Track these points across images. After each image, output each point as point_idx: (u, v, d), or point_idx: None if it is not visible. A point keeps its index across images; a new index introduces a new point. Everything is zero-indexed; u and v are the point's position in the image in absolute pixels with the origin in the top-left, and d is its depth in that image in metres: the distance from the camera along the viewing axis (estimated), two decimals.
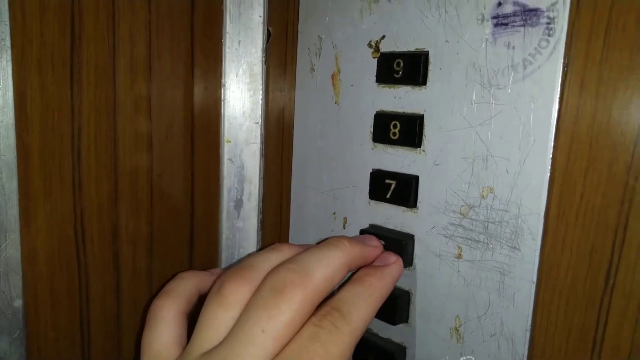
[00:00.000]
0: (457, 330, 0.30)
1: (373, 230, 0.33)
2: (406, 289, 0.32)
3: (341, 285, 0.28)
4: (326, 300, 0.27)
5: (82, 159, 0.34)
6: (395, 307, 0.32)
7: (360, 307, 0.26)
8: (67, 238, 0.34)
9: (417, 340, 0.32)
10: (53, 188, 0.33)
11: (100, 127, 0.35)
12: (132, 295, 0.39)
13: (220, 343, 0.25)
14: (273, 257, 0.28)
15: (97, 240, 0.36)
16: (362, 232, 0.34)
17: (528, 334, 0.28)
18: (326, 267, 0.26)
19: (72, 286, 0.35)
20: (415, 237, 0.32)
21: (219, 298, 0.27)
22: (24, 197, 0.32)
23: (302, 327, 0.25)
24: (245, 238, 0.43)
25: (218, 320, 0.26)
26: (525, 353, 0.28)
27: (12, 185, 0.32)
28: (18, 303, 0.33)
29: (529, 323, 0.27)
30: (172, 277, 0.32)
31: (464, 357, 0.30)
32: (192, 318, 0.29)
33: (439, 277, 0.31)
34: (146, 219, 0.39)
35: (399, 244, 0.32)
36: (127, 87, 0.36)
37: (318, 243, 0.29)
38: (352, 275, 0.29)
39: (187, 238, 0.42)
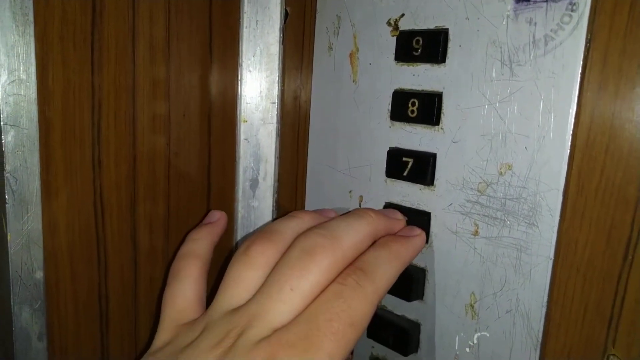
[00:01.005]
0: (472, 307, 0.30)
1: (389, 207, 0.33)
2: (421, 266, 0.32)
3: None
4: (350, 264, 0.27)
5: (102, 136, 0.35)
6: (411, 283, 0.32)
7: (385, 269, 0.27)
8: (86, 212, 0.35)
9: (432, 317, 0.32)
10: (73, 163, 0.34)
11: (120, 104, 0.35)
12: (148, 272, 0.39)
13: (250, 300, 0.26)
14: (295, 224, 0.29)
15: (115, 215, 0.36)
16: (386, 206, 0.34)
17: (544, 310, 0.28)
18: (354, 235, 0.27)
19: (91, 260, 0.36)
20: (431, 215, 0.32)
21: (246, 258, 0.28)
22: (45, 171, 0.33)
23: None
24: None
25: (246, 279, 0.27)
26: (541, 329, 0.28)
27: (34, 159, 0.32)
28: (39, 275, 0.33)
29: (545, 299, 0.28)
30: (183, 239, 0.33)
31: (479, 334, 0.30)
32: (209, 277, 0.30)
33: (455, 254, 0.31)
34: (163, 197, 0.39)
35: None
36: (146, 66, 0.36)
37: (342, 214, 0.29)
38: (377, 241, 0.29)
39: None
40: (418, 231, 0.31)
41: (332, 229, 0.27)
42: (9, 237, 0.32)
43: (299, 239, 0.27)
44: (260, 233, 0.29)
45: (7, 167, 0.31)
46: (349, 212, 0.30)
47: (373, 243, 0.29)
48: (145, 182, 0.38)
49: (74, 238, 0.35)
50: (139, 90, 0.36)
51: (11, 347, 0.33)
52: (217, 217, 0.35)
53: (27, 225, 0.32)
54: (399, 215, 0.32)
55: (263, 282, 0.26)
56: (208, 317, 0.27)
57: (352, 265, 0.27)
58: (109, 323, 0.37)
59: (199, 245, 0.32)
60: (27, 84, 0.31)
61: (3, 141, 0.31)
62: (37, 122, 0.32)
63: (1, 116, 0.30)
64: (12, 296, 0.32)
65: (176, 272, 0.30)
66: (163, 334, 0.28)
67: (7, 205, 0.31)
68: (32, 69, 0.31)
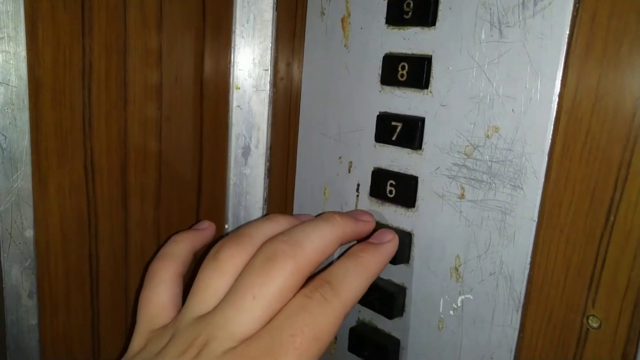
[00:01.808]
0: (457, 270, 0.31)
1: (377, 172, 0.34)
2: (408, 230, 0.33)
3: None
4: (319, 273, 0.27)
5: (92, 98, 0.35)
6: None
7: (352, 282, 0.27)
8: (77, 173, 0.35)
9: (418, 281, 0.33)
10: (64, 123, 0.34)
11: (111, 67, 0.35)
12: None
13: (215, 308, 0.26)
14: (268, 227, 0.29)
15: (106, 179, 0.37)
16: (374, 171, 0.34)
17: (527, 272, 0.28)
18: (317, 240, 0.27)
19: (81, 222, 0.36)
20: (419, 179, 0.32)
21: (215, 263, 0.28)
22: (35, 131, 0.33)
23: (293, 297, 0.26)
24: (252, 185, 0.44)
25: (213, 285, 0.27)
26: (523, 291, 0.28)
27: (23, 118, 0.32)
28: (29, 233, 0.34)
29: (528, 261, 0.28)
30: (167, 240, 0.34)
31: (463, 296, 0.31)
32: (188, 279, 0.30)
33: (441, 217, 0.31)
34: (154, 161, 0.39)
35: (402, 188, 0.32)
36: (137, 29, 0.36)
37: (317, 215, 0.30)
38: (346, 250, 0.30)
39: (195, 184, 0.42)
40: (389, 237, 0.31)
41: (295, 235, 0.27)
42: None
43: (263, 245, 0.27)
44: (231, 236, 0.29)
45: None
46: (318, 215, 0.29)
47: (347, 250, 0.29)
48: (136, 146, 0.38)
49: (64, 199, 0.35)
50: (131, 54, 0.36)
51: (1, 303, 0.34)
52: (205, 226, 0.36)
53: (16, 184, 0.33)
54: (366, 217, 0.32)
55: (229, 289, 0.27)
56: (177, 324, 0.27)
57: (320, 278, 0.27)
58: (99, 285, 0.38)
59: (179, 248, 0.32)
60: (17, 41, 0.31)
61: None
62: (27, 81, 0.32)
63: None
64: (1, 253, 0.33)
65: (152, 275, 0.31)
66: (137, 340, 0.28)
67: None
68: (22, 26, 0.31)
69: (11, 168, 0.32)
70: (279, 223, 0.30)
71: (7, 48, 0.31)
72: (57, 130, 0.34)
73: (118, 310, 0.39)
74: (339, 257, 0.29)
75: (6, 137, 0.32)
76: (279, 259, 0.26)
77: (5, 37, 0.30)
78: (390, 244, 0.30)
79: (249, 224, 0.31)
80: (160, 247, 0.33)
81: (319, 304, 0.25)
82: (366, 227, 0.31)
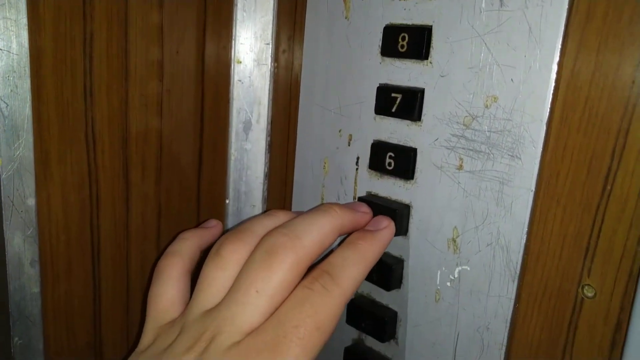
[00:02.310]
0: (455, 241, 0.31)
1: (377, 145, 0.34)
2: (406, 202, 0.33)
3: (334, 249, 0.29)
4: (319, 263, 0.28)
5: (93, 68, 0.35)
6: (395, 220, 0.32)
7: (351, 270, 0.28)
8: (78, 143, 0.35)
9: (415, 253, 0.33)
10: (65, 93, 0.34)
11: (112, 37, 0.35)
12: (140, 209, 0.40)
13: (220, 302, 0.27)
14: (268, 222, 0.30)
15: (107, 149, 0.37)
16: (359, 199, 0.34)
17: (523, 242, 0.28)
18: (316, 232, 0.28)
19: (82, 192, 0.36)
20: (417, 151, 0.32)
21: (218, 259, 0.29)
22: (36, 99, 0.33)
23: (295, 288, 0.27)
24: (254, 160, 0.44)
25: (217, 280, 0.28)
26: (519, 261, 0.28)
27: (25, 86, 0.32)
28: (31, 202, 0.34)
29: (525, 231, 0.28)
30: (175, 237, 0.34)
31: (460, 268, 0.31)
32: (195, 275, 0.31)
33: (439, 189, 0.31)
34: (155, 134, 0.39)
35: (401, 160, 0.32)
36: (139, 2, 0.36)
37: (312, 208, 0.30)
38: (344, 239, 0.30)
39: (196, 158, 0.43)
40: (385, 223, 0.31)
41: (294, 228, 0.28)
42: (0, 162, 0.32)
43: (263, 239, 0.28)
44: (232, 232, 0.30)
45: None
46: (315, 207, 0.30)
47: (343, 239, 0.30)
48: (137, 118, 0.38)
49: (66, 168, 0.35)
50: (132, 25, 0.36)
51: (4, 271, 0.34)
52: (213, 224, 0.36)
53: (18, 152, 0.33)
54: (364, 209, 0.32)
55: (232, 284, 0.27)
56: (185, 319, 0.28)
57: (319, 268, 0.27)
58: (100, 255, 0.38)
59: (186, 245, 0.33)
60: (17, 8, 0.31)
61: None
62: (28, 49, 0.32)
63: None
64: (4, 221, 0.33)
65: (160, 272, 0.31)
66: (146, 335, 0.29)
67: None
68: None
69: (13, 136, 0.32)
70: (279, 218, 0.30)
71: (8, 14, 0.31)
72: (58, 100, 0.34)
73: (119, 281, 0.40)
74: (337, 246, 0.29)
75: (7, 105, 0.32)
76: (279, 253, 0.26)
77: (6, 4, 0.31)
78: (386, 230, 0.31)
79: (249, 219, 0.31)
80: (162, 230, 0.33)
81: (319, 295, 0.26)
82: (364, 218, 0.32)
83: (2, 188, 0.33)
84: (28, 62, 0.32)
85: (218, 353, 0.25)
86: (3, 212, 0.33)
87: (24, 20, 0.31)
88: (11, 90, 0.32)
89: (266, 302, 0.26)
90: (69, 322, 0.38)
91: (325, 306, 0.26)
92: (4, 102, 0.32)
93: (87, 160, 0.36)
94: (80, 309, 0.38)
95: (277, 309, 0.26)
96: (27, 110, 0.33)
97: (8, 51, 0.31)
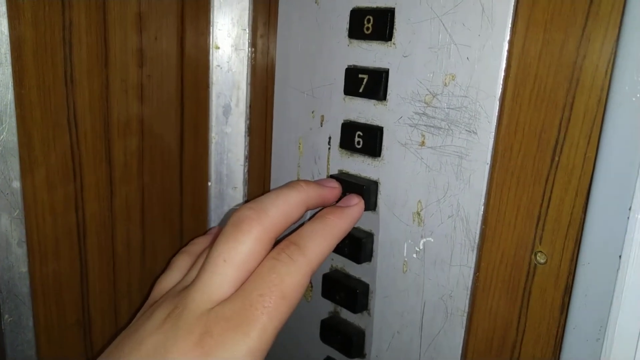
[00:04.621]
0: (419, 214, 0.32)
1: (347, 125, 0.35)
2: (374, 179, 0.34)
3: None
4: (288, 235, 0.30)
5: (73, 54, 0.36)
6: (363, 196, 0.34)
7: (318, 242, 0.29)
8: (61, 127, 0.37)
9: (384, 227, 0.34)
10: (46, 79, 0.35)
11: (91, 23, 0.36)
12: (124, 191, 0.41)
13: (196, 276, 0.29)
14: None
15: (89, 133, 0.38)
16: (331, 176, 0.36)
17: (481, 213, 0.30)
18: (282, 205, 0.29)
19: (66, 174, 0.38)
20: (384, 129, 0.33)
21: (202, 238, 0.32)
22: (18, 85, 0.34)
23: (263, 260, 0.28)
24: (234, 143, 0.45)
25: (200, 258, 0.31)
26: (478, 231, 0.30)
27: (6, 72, 0.33)
28: (16, 184, 0.35)
29: (482, 202, 0.29)
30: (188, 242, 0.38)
31: (424, 239, 0.32)
32: None
33: (404, 165, 0.32)
34: (137, 118, 0.41)
35: (368, 139, 0.34)
36: None
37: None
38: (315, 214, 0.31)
39: (177, 142, 0.44)
40: (355, 200, 0.33)
41: (260, 202, 0.29)
42: None
43: (232, 214, 0.29)
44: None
45: None
46: (284, 184, 0.32)
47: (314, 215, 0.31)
48: (118, 102, 0.39)
49: (49, 152, 0.36)
50: (110, 12, 0.37)
51: None
52: (216, 231, 0.39)
53: (2, 136, 0.34)
54: (332, 184, 0.33)
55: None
56: (168, 294, 0.30)
57: (287, 240, 0.29)
58: (86, 235, 0.40)
59: (196, 248, 0.36)
60: None
61: None
62: (9, 36, 0.33)
63: None
64: None
65: (170, 264, 0.34)
66: (142, 310, 0.31)
67: None
68: None
69: None
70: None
71: None
72: (39, 85, 0.35)
73: (105, 260, 0.41)
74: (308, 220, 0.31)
75: None
76: (244, 224, 0.28)
77: None
78: (356, 207, 0.32)
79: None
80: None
81: (285, 264, 0.27)
82: (332, 192, 0.33)
83: None
84: (9, 49, 0.33)
85: (188, 321, 0.26)
86: None
87: (3, 8, 0.33)
88: None
89: (234, 271, 0.27)
90: (57, 300, 0.39)
91: (290, 275, 0.27)
92: None
93: (70, 144, 0.37)
94: (68, 288, 0.40)
95: (247, 279, 0.28)
96: (10, 95, 0.34)
97: None
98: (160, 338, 0.26)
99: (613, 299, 0.24)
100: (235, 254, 0.27)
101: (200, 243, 0.37)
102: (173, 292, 0.30)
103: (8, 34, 0.33)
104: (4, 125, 0.34)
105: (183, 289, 0.29)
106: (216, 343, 0.25)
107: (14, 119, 0.34)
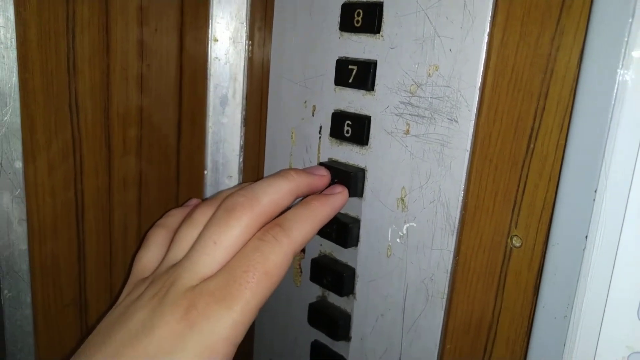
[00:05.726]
0: (403, 200, 0.33)
1: (337, 114, 0.36)
2: (362, 166, 0.36)
3: None
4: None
5: (76, 41, 0.38)
6: (351, 182, 0.35)
7: (301, 224, 0.30)
8: (62, 111, 0.38)
9: (370, 212, 0.36)
10: (49, 64, 0.37)
11: (93, 12, 0.38)
12: (122, 175, 0.43)
13: (185, 255, 0.30)
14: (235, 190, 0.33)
15: (90, 118, 0.40)
16: (320, 164, 0.37)
17: (461, 199, 0.31)
18: (272, 192, 0.31)
19: (67, 156, 0.39)
20: (371, 118, 0.35)
21: (189, 220, 0.32)
22: (22, 69, 0.36)
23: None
24: (230, 133, 0.47)
25: (186, 237, 0.31)
26: (458, 216, 0.31)
27: (11, 56, 0.35)
28: (18, 165, 0.37)
29: (462, 188, 0.31)
30: (164, 214, 0.38)
31: (407, 224, 0.34)
32: None
33: (389, 153, 0.34)
34: (136, 106, 0.42)
35: (357, 127, 0.35)
36: None
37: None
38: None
39: (175, 131, 0.45)
40: (339, 189, 0.34)
41: (252, 189, 0.31)
42: None
43: (224, 199, 0.31)
44: (205, 200, 0.33)
45: None
46: (275, 172, 0.33)
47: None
48: (118, 90, 0.41)
49: (51, 135, 0.38)
50: (112, 3, 0.39)
51: None
52: (194, 203, 0.39)
53: (6, 118, 0.36)
54: (322, 172, 0.35)
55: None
56: (156, 272, 0.31)
57: (272, 222, 0.30)
58: (84, 216, 0.41)
59: (172, 220, 0.36)
60: None
61: None
62: (14, 22, 0.35)
63: None
64: None
65: (146, 239, 0.35)
66: (126, 289, 0.32)
67: None
68: None
69: (0, 103, 0.35)
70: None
71: None
72: (43, 70, 0.37)
73: (102, 242, 0.42)
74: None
75: None
76: (236, 210, 0.29)
77: None
78: (340, 195, 0.34)
79: (222, 190, 0.34)
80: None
81: (269, 244, 0.29)
82: (321, 180, 0.34)
83: None
84: (14, 34, 0.35)
85: (175, 296, 0.27)
86: None
87: None
88: None
89: (223, 252, 0.29)
90: (55, 278, 0.41)
91: (273, 254, 0.28)
92: None
93: (71, 128, 0.39)
94: (66, 267, 0.41)
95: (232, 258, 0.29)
96: (14, 78, 0.36)
97: None
98: (147, 313, 0.27)
99: (579, 278, 0.25)
100: (225, 238, 0.29)
101: (176, 215, 0.37)
102: (160, 270, 0.31)
103: (14, 20, 0.35)
104: (8, 107, 0.36)
105: (170, 267, 0.30)
106: (201, 315, 0.26)
107: (17, 102, 0.36)
